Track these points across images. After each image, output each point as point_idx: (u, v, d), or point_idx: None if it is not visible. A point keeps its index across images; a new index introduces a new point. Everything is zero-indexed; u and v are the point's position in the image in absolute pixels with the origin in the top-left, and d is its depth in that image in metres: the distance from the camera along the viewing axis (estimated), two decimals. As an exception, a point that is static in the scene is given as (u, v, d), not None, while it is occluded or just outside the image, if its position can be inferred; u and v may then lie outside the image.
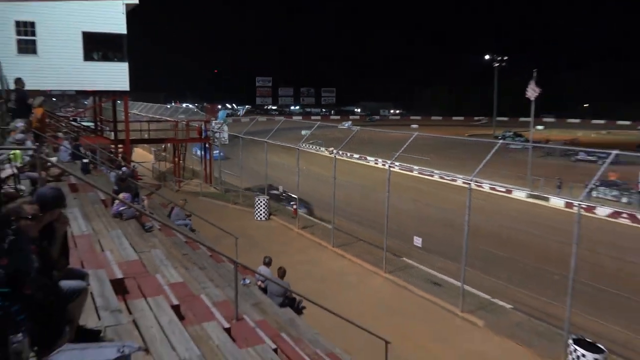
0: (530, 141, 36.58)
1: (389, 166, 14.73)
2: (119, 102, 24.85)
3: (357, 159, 29.27)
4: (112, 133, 25.76)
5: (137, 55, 28.43)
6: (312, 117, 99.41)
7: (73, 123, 26.87)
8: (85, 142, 16.83)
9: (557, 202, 20.10)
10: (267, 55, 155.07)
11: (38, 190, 3.79)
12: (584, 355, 8.68)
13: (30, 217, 3.02)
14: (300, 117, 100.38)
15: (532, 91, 29.99)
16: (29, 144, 8.79)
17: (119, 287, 5.27)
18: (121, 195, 10.44)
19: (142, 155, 35.40)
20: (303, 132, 27.18)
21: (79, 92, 26.55)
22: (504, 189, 18.89)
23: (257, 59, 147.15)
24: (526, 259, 14.01)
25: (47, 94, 22.13)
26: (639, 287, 10.99)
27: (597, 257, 12.13)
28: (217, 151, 27.99)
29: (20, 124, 9.74)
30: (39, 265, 2.78)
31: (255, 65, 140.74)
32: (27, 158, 7.99)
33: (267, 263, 11.28)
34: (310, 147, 25.61)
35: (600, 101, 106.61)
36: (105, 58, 20.00)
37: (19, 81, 11.58)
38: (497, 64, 62.03)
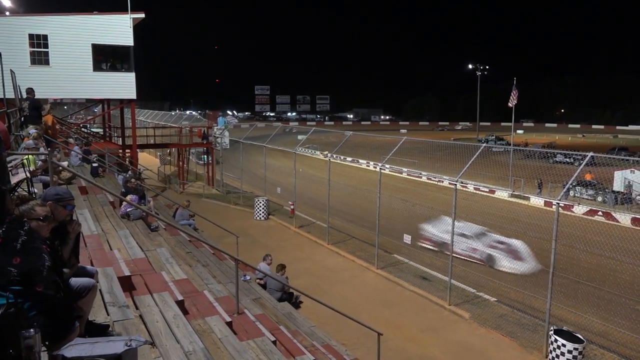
0: (511, 144, 36.72)
1: (380, 168, 14.73)
2: (126, 109, 24.79)
3: (350, 161, 29.25)
4: (120, 139, 25.68)
5: (143, 66, 28.27)
6: (308, 123, 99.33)
7: (83, 129, 26.76)
8: (94, 147, 16.74)
9: (537, 201, 20.17)
10: (265, 65, 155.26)
11: (44, 191, 3.75)
12: (564, 345, 8.68)
13: (41, 218, 2.98)
14: (296, 123, 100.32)
15: (513, 98, 30.13)
16: (41, 149, 8.72)
17: (127, 283, 5.23)
18: (128, 197, 10.41)
19: (148, 160, 35.26)
20: (299, 137, 27.12)
21: (88, 100, 26.55)
22: (487, 189, 18.90)
23: (256, 69, 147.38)
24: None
25: (58, 102, 21.96)
26: (614, 280, 11.00)
27: (575, 252, 12.14)
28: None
29: (32, 130, 9.69)
30: (50, 264, 2.74)
31: (254, 74, 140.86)
32: (40, 162, 7.93)
33: (269, 263, 11.33)
34: (306, 151, 25.57)
35: (575, 108, 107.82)
36: (114, 68, 19.96)
37: (30, 91, 11.67)
38: (480, 73, 62.33)
